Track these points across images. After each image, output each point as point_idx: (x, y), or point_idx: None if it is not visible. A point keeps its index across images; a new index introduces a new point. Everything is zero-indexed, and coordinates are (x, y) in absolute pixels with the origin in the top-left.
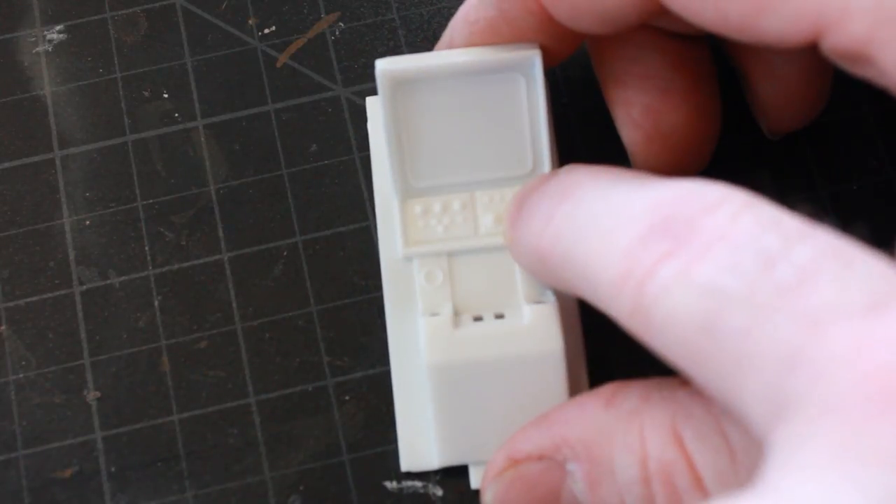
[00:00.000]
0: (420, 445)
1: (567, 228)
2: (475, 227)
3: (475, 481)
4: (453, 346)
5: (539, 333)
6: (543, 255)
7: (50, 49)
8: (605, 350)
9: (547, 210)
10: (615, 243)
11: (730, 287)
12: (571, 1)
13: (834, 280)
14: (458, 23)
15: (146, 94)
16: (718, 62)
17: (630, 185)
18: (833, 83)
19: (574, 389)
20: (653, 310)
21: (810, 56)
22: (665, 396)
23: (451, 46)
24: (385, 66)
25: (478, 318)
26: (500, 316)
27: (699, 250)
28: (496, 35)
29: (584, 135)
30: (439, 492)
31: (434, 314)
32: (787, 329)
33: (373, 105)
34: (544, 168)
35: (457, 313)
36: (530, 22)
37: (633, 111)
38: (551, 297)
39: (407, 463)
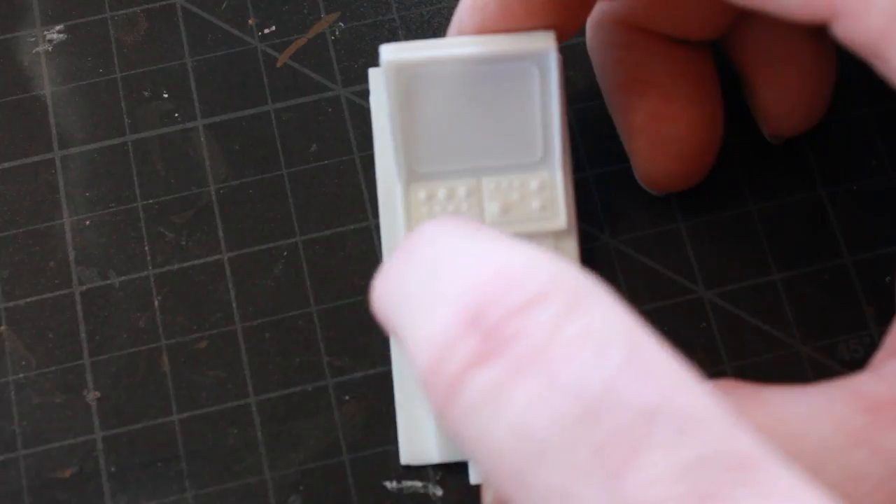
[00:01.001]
0: (420, 439)
1: (394, 290)
2: (481, 215)
3: (475, 477)
4: None
5: None
6: (376, 313)
7: (50, 49)
8: None
9: (385, 269)
10: (429, 325)
11: (546, 437)
12: None
13: (663, 454)
14: (467, 7)
15: (146, 94)
16: (721, 66)
17: (471, 247)
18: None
19: None
20: (463, 423)
21: (813, 62)
22: None
23: (461, 33)
24: (391, 57)
25: None
26: None
27: (513, 367)
28: (508, 14)
29: (584, 135)
30: (439, 492)
31: None
32: None
33: (375, 77)
34: (555, 156)
35: None
36: None
37: (636, 117)
38: None
39: (407, 456)
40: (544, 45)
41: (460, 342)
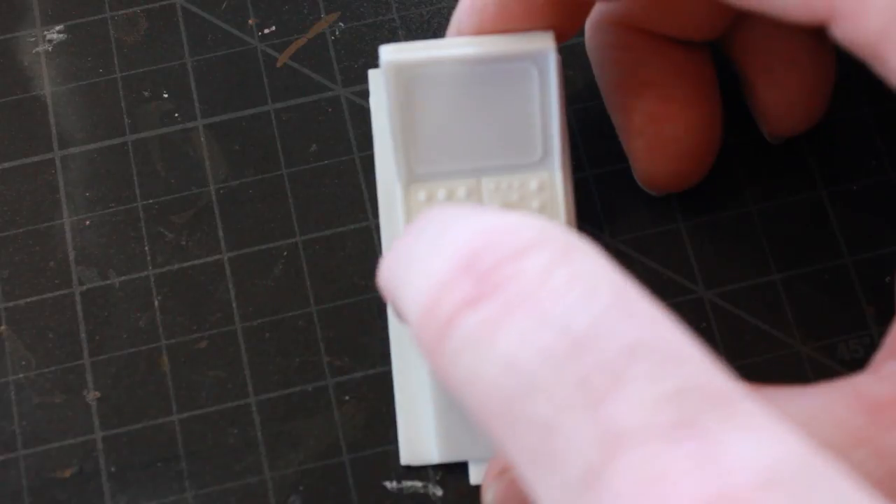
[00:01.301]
0: (420, 440)
1: (400, 261)
2: None
3: (475, 477)
4: None
5: None
6: (381, 287)
7: (50, 49)
8: None
9: (394, 243)
10: (424, 276)
11: (533, 370)
12: None
13: (643, 385)
14: (465, 8)
15: (146, 94)
16: (721, 66)
17: (470, 215)
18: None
19: None
20: (453, 363)
21: (812, 62)
22: None
23: (460, 34)
24: (391, 57)
25: None
26: None
27: (503, 307)
28: (506, 16)
29: (584, 135)
30: (439, 492)
31: None
32: (587, 442)
33: (375, 77)
34: (555, 157)
35: None
36: None
37: (635, 118)
38: None
39: (407, 457)
40: (543, 45)
41: (453, 286)
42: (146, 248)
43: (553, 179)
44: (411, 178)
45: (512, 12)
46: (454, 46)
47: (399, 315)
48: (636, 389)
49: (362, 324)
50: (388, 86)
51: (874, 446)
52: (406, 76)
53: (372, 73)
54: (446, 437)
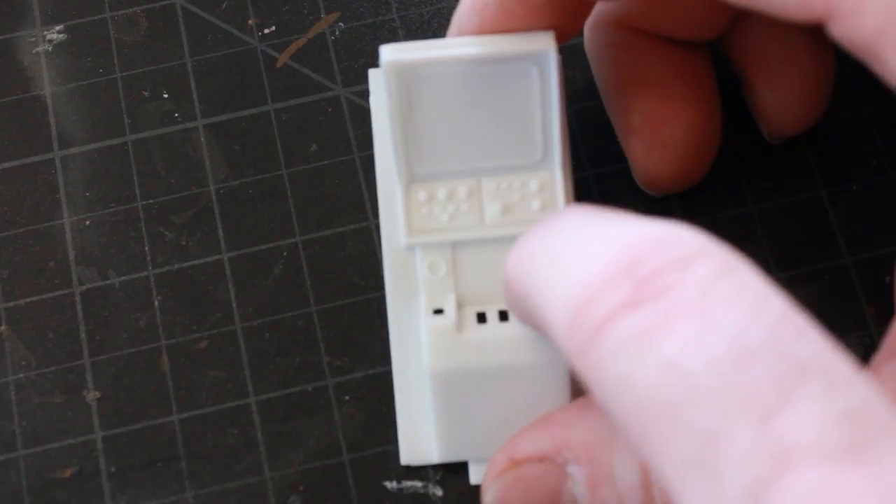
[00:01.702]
0: (420, 439)
1: (539, 253)
2: (481, 215)
3: (475, 477)
4: (456, 353)
5: (544, 342)
6: (510, 281)
7: (50, 49)
8: None
9: (526, 239)
10: (577, 274)
11: (698, 375)
12: None
13: (815, 404)
14: (466, 8)
15: (146, 94)
16: (720, 66)
17: (616, 222)
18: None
19: (577, 396)
20: (606, 364)
21: (812, 62)
22: None
23: (460, 34)
24: (391, 57)
25: (481, 315)
26: (504, 314)
27: (668, 311)
28: (507, 16)
29: (584, 135)
30: (439, 492)
31: (437, 310)
32: (754, 455)
33: (375, 77)
34: (555, 157)
35: (460, 306)
36: None
37: (633, 118)
38: None
39: (407, 457)
40: (544, 45)
41: (612, 287)
42: (146, 248)
43: (553, 179)
44: (411, 178)
45: (512, 12)
46: (455, 46)
47: (529, 313)
48: (808, 407)
49: (362, 324)
50: (388, 86)
51: None
52: (406, 76)
53: (372, 72)
54: (446, 437)
